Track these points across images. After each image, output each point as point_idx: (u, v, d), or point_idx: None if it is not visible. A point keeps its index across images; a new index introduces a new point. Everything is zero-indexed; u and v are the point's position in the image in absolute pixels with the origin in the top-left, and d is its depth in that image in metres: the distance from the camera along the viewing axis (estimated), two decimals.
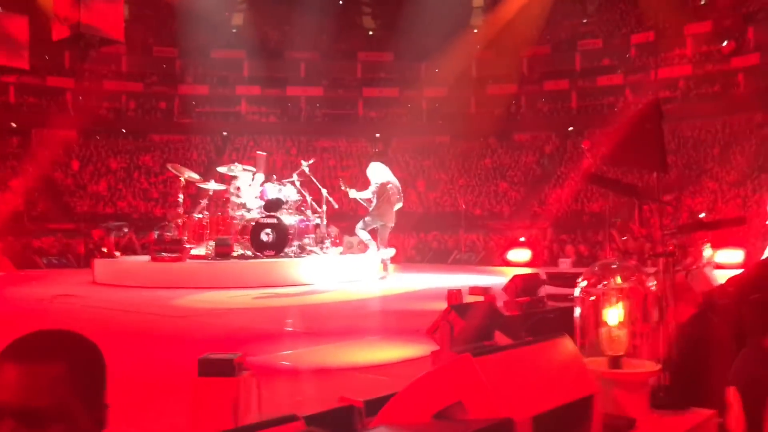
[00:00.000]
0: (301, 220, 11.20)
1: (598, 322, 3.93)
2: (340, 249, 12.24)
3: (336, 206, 11.74)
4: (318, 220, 11.41)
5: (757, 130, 19.72)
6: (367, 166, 11.43)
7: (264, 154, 11.71)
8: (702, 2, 22.60)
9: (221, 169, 11.43)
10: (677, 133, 20.85)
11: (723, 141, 20.43)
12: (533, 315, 5.72)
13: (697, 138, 20.64)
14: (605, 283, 3.90)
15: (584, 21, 24.10)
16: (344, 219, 14.75)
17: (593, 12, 24.15)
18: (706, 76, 21.02)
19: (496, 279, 8.41)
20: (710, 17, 21.42)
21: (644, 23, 22.09)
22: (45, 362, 1.09)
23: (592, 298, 3.90)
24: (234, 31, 25.47)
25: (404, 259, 15.80)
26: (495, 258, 15.54)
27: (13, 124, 23.39)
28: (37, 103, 23.36)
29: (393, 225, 11.10)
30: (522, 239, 15.66)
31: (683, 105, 20.89)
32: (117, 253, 13.71)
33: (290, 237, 10.60)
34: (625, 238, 13.94)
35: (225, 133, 24.68)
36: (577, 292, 4.03)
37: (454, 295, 5.65)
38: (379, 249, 11.03)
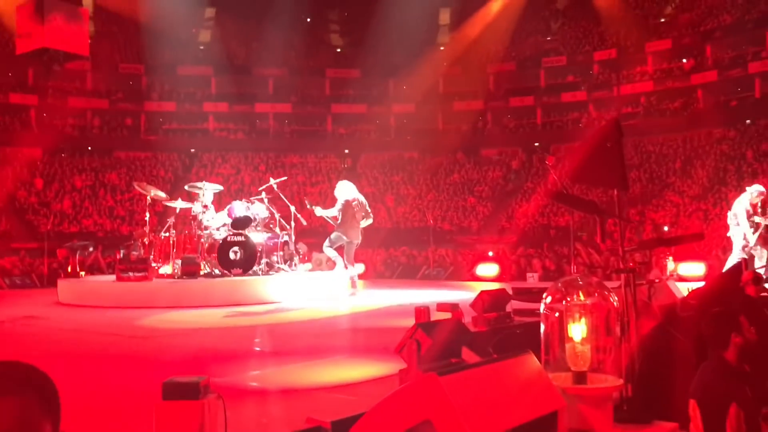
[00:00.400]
0: (270, 238, 11.15)
1: (563, 337, 4.00)
2: (309, 266, 12.21)
3: (305, 223, 11.71)
4: (286, 237, 11.37)
5: (716, 145, 20.18)
6: (336, 182, 11.45)
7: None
8: (662, 20, 23.13)
9: (188, 187, 11.35)
10: (640, 148, 21.25)
11: (684, 155, 20.87)
12: (500, 331, 5.78)
13: (659, 153, 21.04)
14: (569, 299, 3.97)
15: (548, 38, 24.50)
16: (313, 236, 14.73)
17: (557, 30, 24.58)
18: (667, 93, 21.49)
19: (465, 294, 8.46)
20: (670, 35, 21.92)
21: (607, 41, 22.55)
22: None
23: (557, 314, 3.96)
24: (201, 47, 25.37)
25: (374, 275, 15.81)
26: (463, 273, 15.62)
27: None
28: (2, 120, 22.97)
29: (359, 242, 11.07)
30: (490, 254, 15.78)
31: (645, 120, 21.31)
32: (82, 273, 13.51)
33: (258, 255, 10.55)
34: (590, 252, 14.15)
35: (192, 150, 24.52)
36: (541, 308, 4.09)
37: (421, 312, 5.69)
38: (346, 266, 11.02)
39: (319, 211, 11.06)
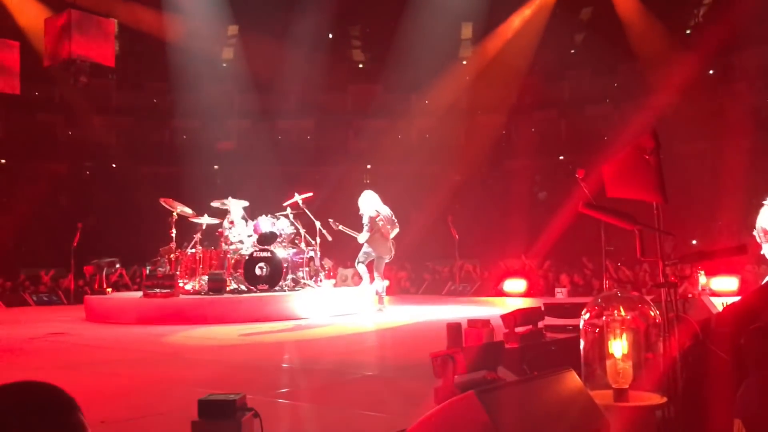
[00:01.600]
0: (295, 253, 11.14)
1: (603, 354, 3.89)
2: (334, 282, 12.18)
3: (330, 239, 11.68)
4: (312, 253, 11.35)
5: (745, 156, 19.88)
6: (358, 195, 11.45)
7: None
8: (687, 32, 22.92)
9: (214, 204, 11.39)
10: (667, 160, 20.88)
11: (712, 167, 20.57)
12: (533, 347, 5.67)
13: (686, 164, 20.78)
14: (609, 314, 3.87)
15: (572, 51, 24.37)
16: (339, 251, 14.68)
17: (580, 42, 24.45)
18: (694, 104, 21.25)
19: (493, 310, 8.35)
20: (695, 46, 21.72)
21: (631, 52, 22.37)
22: (13, 421, 1.02)
23: (597, 330, 3.86)
24: (224, 65, 25.59)
25: (398, 291, 15.72)
26: (490, 288, 15.48)
27: (2, 160, 23.29)
28: (26, 138, 23.27)
29: (390, 257, 10.99)
30: (516, 269, 15.64)
31: (671, 131, 21.03)
32: (108, 290, 13.59)
33: (284, 270, 10.53)
34: (618, 264, 13.95)
35: (216, 167, 24.65)
36: (581, 324, 3.99)
37: (453, 328, 5.61)
38: (372, 281, 10.93)
39: (344, 229, 11.02)
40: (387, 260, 10.91)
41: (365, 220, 10.67)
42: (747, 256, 12.14)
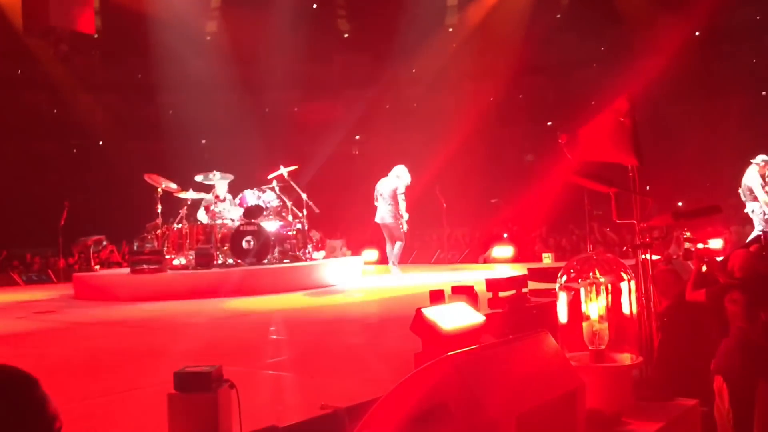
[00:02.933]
0: (282, 226, 11.15)
1: (580, 315, 3.92)
2: (324, 253, 12.21)
3: (317, 210, 11.68)
4: (299, 225, 11.35)
5: (733, 117, 19.92)
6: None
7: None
8: None
9: (199, 178, 11.35)
10: (655, 122, 20.93)
11: (699, 129, 20.59)
12: (517, 312, 5.72)
13: (672, 126, 20.79)
14: (584, 276, 3.89)
15: (558, 16, 24.20)
16: (326, 223, 14.69)
17: (566, 6, 24.26)
18: (681, 66, 21.19)
19: (480, 276, 8.38)
20: (682, 10, 21.60)
21: (617, 16, 22.23)
22: None
23: (572, 292, 3.89)
24: (208, 38, 25.30)
25: (387, 259, 15.77)
26: (478, 255, 15.57)
27: None
28: (11, 117, 23.04)
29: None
30: (505, 235, 15.70)
31: (660, 95, 21.00)
32: (97, 267, 13.59)
33: (271, 243, 10.55)
34: (607, 230, 14.03)
35: (203, 141, 24.50)
36: (557, 287, 4.02)
37: (435, 295, 5.63)
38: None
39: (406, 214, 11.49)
40: None
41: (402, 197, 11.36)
42: (731, 216, 12.24)
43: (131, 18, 21.79)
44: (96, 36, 24.45)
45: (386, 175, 11.75)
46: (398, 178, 11.51)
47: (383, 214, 11.48)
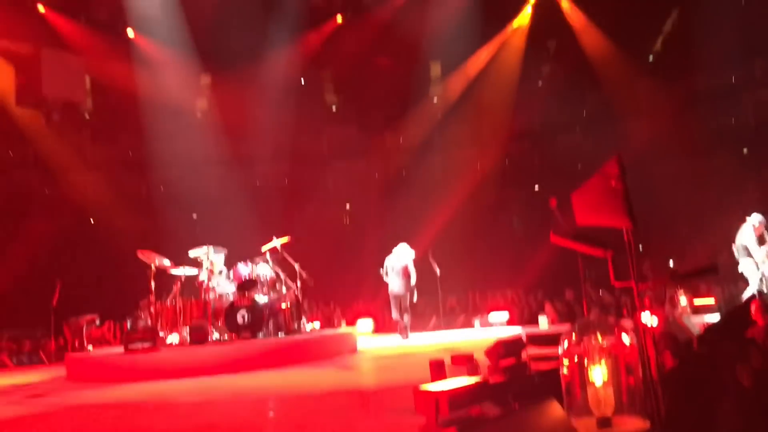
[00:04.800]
0: (276, 299, 11.10)
1: (584, 381, 3.90)
2: (317, 324, 12.15)
3: (311, 282, 11.66)
4: (293, 297, 11.31)
5: (717, 175, 20.20)
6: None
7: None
8: (650, 58, 23.44)
9: (192, 253, 11.34)
10: (641, 183, 21.11)
11: (684, 187, 20.86)
12: (518, 379, 5.67)
13: (658, 186, 21.04)
14: (586, 341, 3.89)
15: (539, 83, 24.80)
16: (319, 294, 14.64)
17: (547, 74, 24.89)
18: (662, 128, 21.63)
19: (477, 344, 8.35)
20: (659, 72, 22.21)
21: (597, 81, 22.81)
22: None
23: (575, 358, 3.88)
24: (198, 115, 25.68)
25: (384, 327, 15.69)
26: (474, 320, 15.50)
27: None
28: (1, 198, 23.07)
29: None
30: (499, 300, 15.68)
31: (643, 156, 21.37)
32: (89, 347, 13.41)
33: (266, 316, 10.48)
34: (600, 292, 14.03)
35: (194, 216, 24.53)
36: (559, 352, 4.01)
37: (436, 365, 5.60)
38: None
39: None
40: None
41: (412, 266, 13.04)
42: (724, 274, 12.29)
43: (122, 97, 22.15)
44: (87, 117, 24.87)
45: (390, 251, 13.37)
46: (406, 255, 13.11)
47: (396, 286, 12.95)
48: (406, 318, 13.07)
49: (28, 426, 6.21)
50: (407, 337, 12.99)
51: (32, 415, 6.90)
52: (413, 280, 13.01)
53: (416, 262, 16.83)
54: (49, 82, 12.10)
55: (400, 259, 13.02)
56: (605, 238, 4.65)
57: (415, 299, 13.20)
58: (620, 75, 21.87)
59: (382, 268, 13.17)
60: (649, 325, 4.12)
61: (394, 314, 13.22)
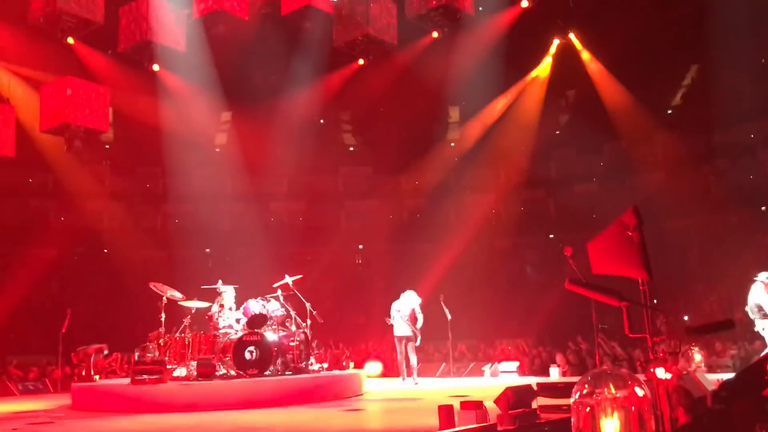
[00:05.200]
0: (285, 336, 11.04)
1: None
2: (326, 365, 12.05)
3: (321, 320, 11.61)
4: (302, 335, 11.25)
5: (732, 232, 20.06)
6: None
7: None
8: (669, 112, 23.53)
9: (205, 287, 11.36)
10: (654, 236, 20.98)
11: (700, 243, 20.72)
12: (528, 429, 5.57)
13: (674, 242, 20.91)
14: (599, 392, 3.83)
15: (557, 132, 24.91)
16: (329, 334, 14.56)
17: (565, 123, 25.02)
18: (679, 181, 21.60)
19: (486, 392, 8.24)
20: (677, 125, 22.27)
21: (615, 132, 22.89)
22: None
23: (588, 409, 3.81)
24: (217, 150, 25.97)
25: (392, 372, 15.52)
26: (483, 368, 15.32)
27: None
28: (18, 224, 23.30)
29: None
30: (510, 349, 15.52)
31: (659, 209, 21.32)
32: (96, 377, 13.36)
33: (274, 354, 10.41)
34: (614, 344, 13.85)
35: (207, 250, 24.63)
36: (572, 401, 3.94)
37: (445, 411, 5.52)
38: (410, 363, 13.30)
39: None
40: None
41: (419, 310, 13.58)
42: (739, 332, 12.11)
43: (143, 129, 22.47)
44: (107, 147, 25.21)
45: (397, 296, 13.68)
46: (414, 300, 13.52)
47: (403, 329, 13.26)
48: (414, 360, 13.29)
49: None
50: (417, 382, 13.07)
51: None
52: (419, 323, 13.38)
53: (427, 306, 16.76)
54: (72, 108, 12.33)
55: (408, 303, 13.42)
56: (619, 290, 4.61)
57: (418, 343, 13.45)
58: (638, 127, 21.93)
59: (389, 317, 13.51)
60: (662, 379, 4.05)
61: (399, 357, 13.52)
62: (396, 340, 13.44)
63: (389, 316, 13.34)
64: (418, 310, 13.47)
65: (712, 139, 22.29)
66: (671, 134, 22.09)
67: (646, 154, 22.67)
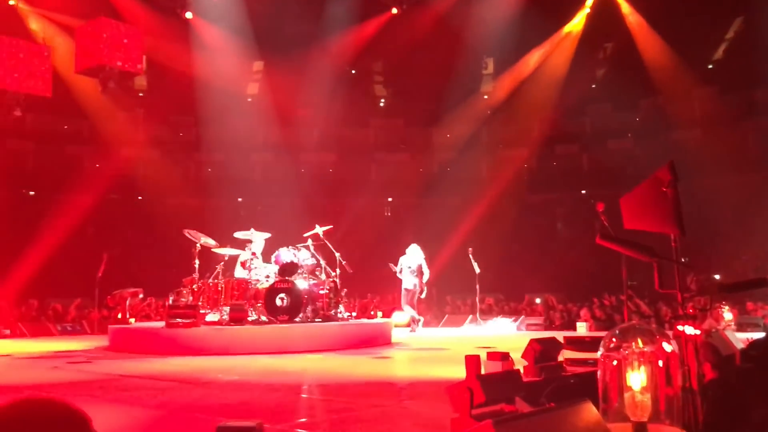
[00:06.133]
0: (315, 284, 11.21)
1: (621, 387, 3.87)
2: (354, 314, 12.23)
3: (350, 270, 11.75)
4: (332, 284, 11.41)
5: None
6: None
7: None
8: (709, 66, 22.91)
9: (237, 234, 11.53)
10: (687, 194, 20.62)
11: (735, 202, 20.39)
12: (553, 381, 5.64)
13: (709, 199, 20.59)
14: (627, 346, 3.86)
15: (593, 86, 24.44)
16: (358, 283, 14.74)
17: (601, 77, 24.52)
18: (716, 139, 21.15)
19: (513, 344, 8.32)
20: (717, 81, 21.71)
21: (652, 87, 22.39)
22: None
23: (615, 362, 3.85)
24: (249, 100, 26.01)
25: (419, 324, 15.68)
26: (510, 322, 15.42)
27: (31, 192, 23.76)
28: (54, 171, 23.73)
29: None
30: (537, 302, 15.55)
31: (695, 167, 20.96)
32: (132, 320, 13.73)
33: (304, 301, 10.59)
34: (642, 301, 13.83)
35: (240, 199, 24.90)
36: (599, 354, 3.98)
37: (472, 360, 5.60)
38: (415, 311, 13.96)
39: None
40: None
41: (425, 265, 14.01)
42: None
43: (175, 77, 22.54)
44: (141, 95, 25.38)
45: (424, 248, 14.17)
46: (419, 255, 13.92)
47: (410, 283, 13.86)
48: (414, 312, 14.06)
49: (67, 391, 6.40)
50: (415, 330, 13.88)
51: (72, 382, 7.11)
52: (426, 278, 13.92)
53: (455, 260, 16.84)
54: (107, 49, 12.41)
55: (415, 258, 13.90)
56: (651, 245, 4.58)
57: (423, 295, 14.16)
58: (677, 82, 21.43)
59: (396, 266, 14.15)
60: (690, 335, 4.06)
61: (405, 308, 14.14)
62: (404, 291, 14.03)
63: (396, 265, 14.10)
64: (424, 265, 13.91)
65: (754, 96, 21.71)
66: (710, 90, 21.54)
67: (683, 110, 22.17)
